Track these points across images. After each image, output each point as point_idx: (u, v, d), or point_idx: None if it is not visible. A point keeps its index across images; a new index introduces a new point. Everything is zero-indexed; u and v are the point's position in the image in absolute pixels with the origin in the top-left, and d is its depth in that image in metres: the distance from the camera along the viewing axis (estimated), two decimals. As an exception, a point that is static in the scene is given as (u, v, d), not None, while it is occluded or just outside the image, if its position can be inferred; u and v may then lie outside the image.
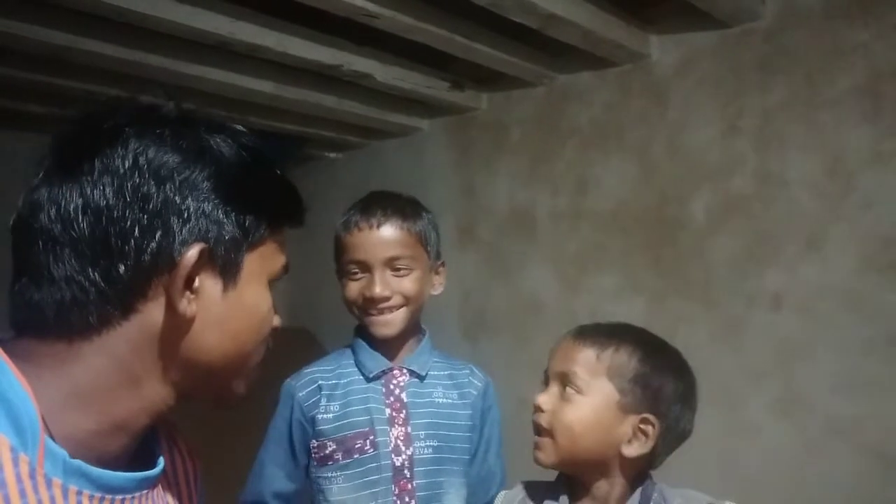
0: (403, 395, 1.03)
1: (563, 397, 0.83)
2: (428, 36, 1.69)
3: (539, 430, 0.85)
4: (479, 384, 1.09)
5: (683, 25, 1.78)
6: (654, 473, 0.86)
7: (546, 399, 0.84)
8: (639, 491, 0.83)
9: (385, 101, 2.29)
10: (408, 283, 1.01)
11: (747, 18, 1.66)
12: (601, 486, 0.84)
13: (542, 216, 2.17)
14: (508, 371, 1.85)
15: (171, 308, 0.51)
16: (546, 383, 0.87)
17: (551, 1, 1.54)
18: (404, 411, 1.02)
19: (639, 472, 0.84)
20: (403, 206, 1.04)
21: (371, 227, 1.00)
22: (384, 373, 1.03)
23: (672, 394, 0.83)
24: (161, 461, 0.57)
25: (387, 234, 1.00)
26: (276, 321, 0.62)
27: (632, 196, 1.93)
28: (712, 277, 1.74)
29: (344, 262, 1.04)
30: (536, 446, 0.85)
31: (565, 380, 0.84)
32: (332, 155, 3.00)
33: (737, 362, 1.68)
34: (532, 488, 0.90)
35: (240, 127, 0.59)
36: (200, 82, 1.91)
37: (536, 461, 0.85)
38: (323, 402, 1.02)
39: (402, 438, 1.00)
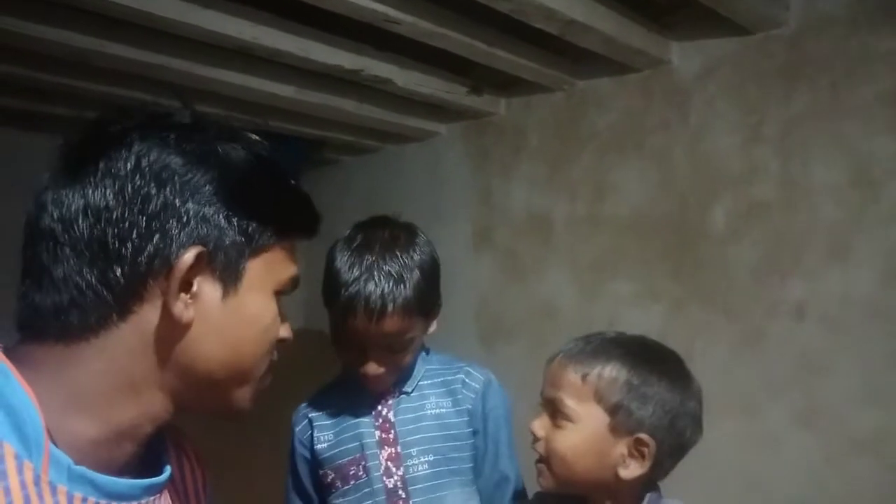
0: (391, 415, 1.01)
1: (555, 424, 0.81)
2: (448, 41, 1.69)
3: (538, 459, 0.83)
4: (477, 385, 1.04)
5: (705, 32, 1.76)
6: (671, 486, 0.85)
7: (539, 425, 0.83)
8: None
9: (404, 106, 2.29)
10: (403, 358, 0.98)
11: (770, 25, 1.64)
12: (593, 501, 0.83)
13: (560, 222, 2.16)
14: (525, 377, 1.83)
15: (167, 311, 0.51)
16: (541, 407, 0.85)
17: (572, 7, 1.54)
18: (393, 431, 1.00)
19: (645, 486, 0.82)
20: (407, 279, 0.93)
21: (371, 318, 0.91)
22: (375, 399, 1.03)
23: (667, 406, 0.79)
24: (168, 468, 0.57)
25: (388, 327, 0.93)
26: (285, 332, 0.60)
27: (651, 202, 1.91)
28: (733, 286, 1.72)
29: (337, 330, 0.98)
30: (538, 471, 0.84)
31: (554, 406, 0.81)
32: (349, 158, 3.01)
33: (757, 373, 1.66)
34: (544, 502, 0.89)
35: (254, 135, 0.59)
36: (222, 86, 1.93)
37: (540, 485, 0.84)
38: (316, 433, 1.03)
39: (392, 459, 0.99)
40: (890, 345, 1.45)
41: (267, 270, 0.56)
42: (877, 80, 1.49)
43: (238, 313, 0.54)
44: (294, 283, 0.60)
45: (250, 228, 0.54)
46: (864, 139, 1.50)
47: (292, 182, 0.60)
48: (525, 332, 2.26)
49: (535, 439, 0.83)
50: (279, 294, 0.58)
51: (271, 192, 0.57)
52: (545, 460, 0.82)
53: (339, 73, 1.87)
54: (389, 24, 1.56)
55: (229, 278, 0.53)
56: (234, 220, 0.53)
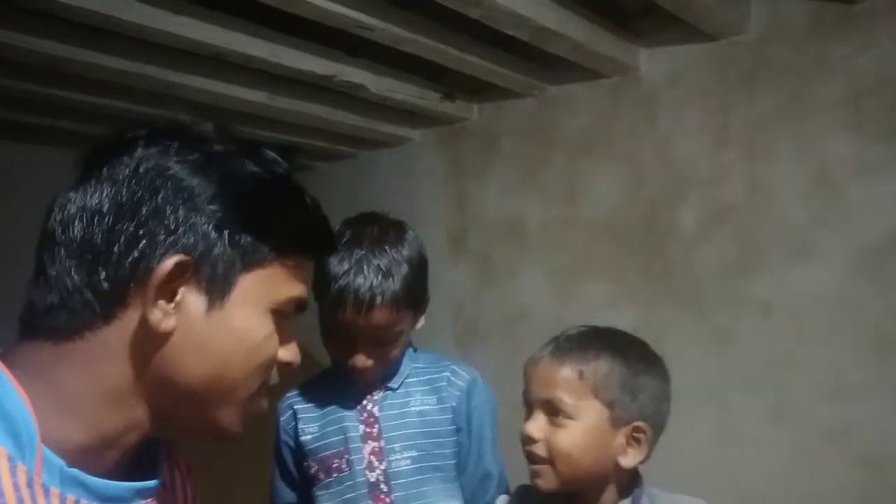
0: (375, 410, 1.02)
1: (554, 423, 0.81)
2: (420, 47, 1.71)
3: (535, 459, 0.83)
4: (462, 384, 1.06)
5: (672, 38, 1.81)
6: (646, 481, 0.87)
7: (536, 427, 0.82)
8: (630, 498, 0.83)
9: (377, 112, 2.30)
10: (391, 351, 0.99)
11: (734, 31, 1.69)
12: (594, 496, 0.84)
13: (533, 225, 2.19)
14: (501, 379, 1.85)
15: (146, 319, 0.51)
16: (529, 409, 0.85)
17: (543, 14, 1.56)
18: (377, 426, 1.01)
19: (630, 476, 0.85)
20: (395, 273, 0.94)
21: (360, 311, 0.93)
22: (360, 393, 1.03)
23: (654, 392, 0.83)
24: (160, 474, 0.56)
25: (376, 320, 0.94)
26: (286, 355, 0.58)
27: (622, 205, 1.95)
28: (702, 286, 1.76)
29: (326, 323, 0.98)
30: (535, 474, 0.83)
31: (552, 406, 0.82)
32: (324, 164, 3.00)
33: (727, 370, 1.70)
34: (528, 498, 0.90)
35: (272, 153, 0.57)
36: (194, 92, 1.91)
37: (537, 487, 0.84)
38: (300, 425, 1.03)
39: (375, 454, 1.00)
40: (854, 339, 1.50)
41: (263, 287, 0.54)
42: (835, 84, 1.54)
43: (223, 327, 0.53)
44: (298, 304, 0.58)
45: (244, 241, 0.53)
46: (825, 140, 1.56)
47: (307, 202, 0.58)
48: (501, 334, 2.28)
49: (531, 442, 0.83)
50: (279, 314, 0.56)
51: (275, 208, 0.56)
52: (548, 461, 0.81)
53: (312, 78, 1.87)
54: (362, 31, 1.57)
55: (216, 290, 0.52)
56: (227, 232, 0.52)
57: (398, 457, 1.00)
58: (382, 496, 0.99)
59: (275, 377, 0.59)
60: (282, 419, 1.07)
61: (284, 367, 0.59)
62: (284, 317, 0.57)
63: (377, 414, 1.02)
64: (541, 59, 1.95)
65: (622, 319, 1.99)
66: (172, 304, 0.51)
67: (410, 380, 1.05)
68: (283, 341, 0.58)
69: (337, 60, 1.85)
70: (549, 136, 2.14)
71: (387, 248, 0.97)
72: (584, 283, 2.03)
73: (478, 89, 2.21)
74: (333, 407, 1.03)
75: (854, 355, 1.50)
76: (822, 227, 1.56)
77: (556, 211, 2.12)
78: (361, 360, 0.97)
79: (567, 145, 2.09)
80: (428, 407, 1.03)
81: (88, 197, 0.51)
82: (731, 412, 1.68)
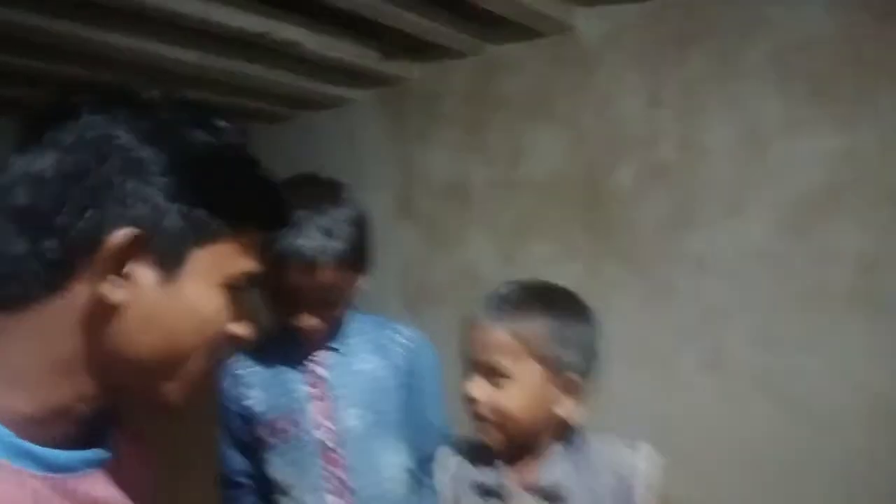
0: (321, 371, 1.03)
1: (494, 384, 0.84)
2: (356, 3, 1.66)
3: (480, 418, 0.86)
4: (406, 342, 1.08)
5: (607, -2, 1.81)
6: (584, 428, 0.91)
7: (477, 389, 0.85)
8: (564, 441, 0.88)
9: (315, 72, 2.23)
10: (337, 310, 0.99)
11: (668, -9, 1.71)
12: (533, 442, 0.88)
13: (478, 187, 2.19)
14: (451, 340, 1.87)
15: (96, 291, 0.50)
16: (470, 368, 0.87)
17: (480, -30, 1.54)
18: (324, 386, 1.02)
19: (567, 423, 0.89)
20: (338, 233, 0.94)
21: (304, 272, 0.91)
22: (304, 355, 1.03)
23: (584, 343, 0.87)
24: (111, 445, 0.56)
25: (322, 279, 0.93)
26: (239, 330, 0.58)
27: (564, 165, 1.97)
28: (641, 243, 1.82)
29: (270, 286, 0.95)
30: (481, 430, 0.86)
31: (491, 368, 0.84)
32: (261, 126, 2.90)
33: (666, 324, 1.77)
34: (472, 447, 0.92)
35: (228, 124, 0.56)
36: (118, 52, 1.81)
37: (486, 443, 0.87)
38: (244, 390, 1.03)
39: (323, 413, 1.01)
40: (781, 291, 1.59)
41: (215, 261, 0.54)
42: (763, 44, 1.58)
43: (174, 301, 0.52)
44: (249, 278, 0.58)
45: (196, 215, 0.52)
46: (753, 100, 1.61)
47: (260, 174, 0.57)
48: (450, 297, 2.30)
49: (473, 402, 0.85)
50: (231, 288, 0.56)
51: (229, 181, 0.55)
52: (491, 420, 0.84)
53: (243, 36, 1.79)
54: (295, -13, 1.51)
55: (168, 264, 0.52)
56: (179, 205, 0.51)
57: (346, 415, 1.01)
58: (332, 454, 1.01)
59: (226, 352, 0.59)
60: (224, 385, 1.06)
61: (237, 341, 0.59)
62: (236, 290, 0.57)
63: (323, 375, 1.03)
64: (480, 18, 1.93)
65: (567, 278, 2.00)
66: (123, 277, 0.50)
67: (354, 340, 1.06)
68: (235, 315, 0.58)
69: (270, 17, 1.77)
70: (491, 97, 2.13)
71: (327, 208, 0.96)
72: (529, 243, 2.06)
73: (418, 48, 2.17)
74: (277, 370, 1.03)
75: (782, 305, 1.59)
76: (751, 183, 1.62)
77: (500, 172, 2.13)
78: (307, 320, 0.97)
79: (509, 106, 2.09)
80: (373, 366, 1.05)
81: (31, 163, 0.49)
82: (669, 363, 1.76)
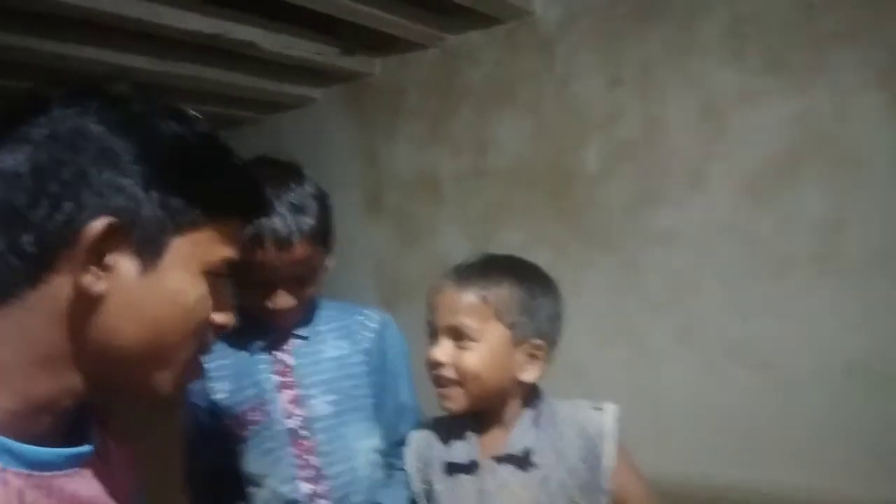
0: (289, 359, 1.02)
1: (459, 347, 0.86)
2: None
3: (443, 383, 0.87)
4: (374, 325, 1.08)
5: (564, -21, 1.82)
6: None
7: (442, 352, 0.86)
8: (530, 406, 0.89)
9: (274, 72, 2.21)
10: (311, 289, 0.99)
11: (622, -30, 1.72)
12: (500, 411, 0.89)
13: (446, 178, 2.19)
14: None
15: (78, 283, 0.49)
16: (434, 335, 0.89)
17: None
18: (292, 374, 1.02)
19: (531, 390, 0.91)
20: (308, 208, 0.95)
21: (279, 249, 0.92)
22: (271, 344, 1.03)
23: (551, 312, 0.89)
24: (94, 441, 0.55)
25: (297, 254, 0.93)
26: (220, 318, 0.58)
27: (529, 151, 1.98)
28: (608, 222, 1.84)
29: (240, 268, 0.96)
30: (444, 397, 0.88)
31: (457, 331, 0.86)
32: (223, 132, 2.87)
33: (638, 299, 1.79)
34: (439, 427, 0.93)
35: (195, 113, 0.56)
36: (64, 60, 1.76)
37: (446, 409, 0.88)
38: (210, 384, 1.02)
39: (292, 401, 1.01)
40: (746, 261, 1.62)
41: (195, 249, 0.54)
42: (718, 19, 1.61)
43: (157, 290, 0.52)
44: (228, 266, 0.58)
45: (173, 204, 0.52)
46: (710, 74, 1.63)
47: (236, 163, 0.58)
48: (424, 290, 2.28)
49: (438, 366, 0.87)
50: (211, 276, 0.56)
51: (204, 168, 0.55)
52: (457, 382, 0.86)
53: (196, 38, 1.77)
54: (246, -16, 1.49)
55: (148, 253, 0.51)
56: (155, 194, 0.51)
57: (316, 401, 1.01)
58: (304, 442, 1.00)
59: (210, 339, 0.59)
60: None
61: (219, 329, 0.59)
62: (217, 278, 0.57)
63: (291, 363, 1.02)
64: (438, 8, 1.92)
65: (538, 262, 2.05)
66: (103, 268, 0.50)
67: (321, 327, 1.06)
68: (217, 303, 0.57)
69: (222, 18, 1.75)
70: (454, 88, 2.13)
71: (292, 185, 0.97)
72: (499, 231, 2.07)
73: (377, 43, 2.16)
74: (244, 362, 1.02)
75: (750, 274, 1.61)
76: (712, 156, 1.65)
77: (468, 162, 2.13)
78: (283, 299, 0.96)
79: (472, 95, 2.09)
80: (342, 352, 1.05)
81: (3, 160, 0.49)
82: (642, 337, 1.79)
